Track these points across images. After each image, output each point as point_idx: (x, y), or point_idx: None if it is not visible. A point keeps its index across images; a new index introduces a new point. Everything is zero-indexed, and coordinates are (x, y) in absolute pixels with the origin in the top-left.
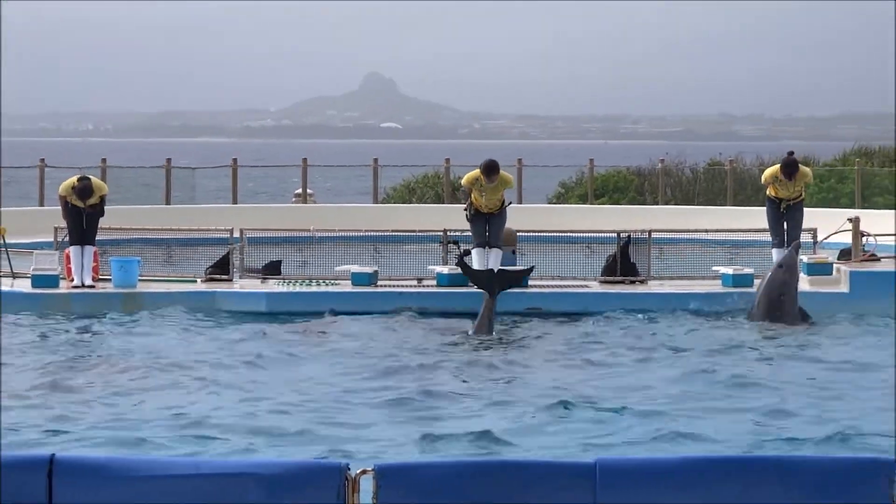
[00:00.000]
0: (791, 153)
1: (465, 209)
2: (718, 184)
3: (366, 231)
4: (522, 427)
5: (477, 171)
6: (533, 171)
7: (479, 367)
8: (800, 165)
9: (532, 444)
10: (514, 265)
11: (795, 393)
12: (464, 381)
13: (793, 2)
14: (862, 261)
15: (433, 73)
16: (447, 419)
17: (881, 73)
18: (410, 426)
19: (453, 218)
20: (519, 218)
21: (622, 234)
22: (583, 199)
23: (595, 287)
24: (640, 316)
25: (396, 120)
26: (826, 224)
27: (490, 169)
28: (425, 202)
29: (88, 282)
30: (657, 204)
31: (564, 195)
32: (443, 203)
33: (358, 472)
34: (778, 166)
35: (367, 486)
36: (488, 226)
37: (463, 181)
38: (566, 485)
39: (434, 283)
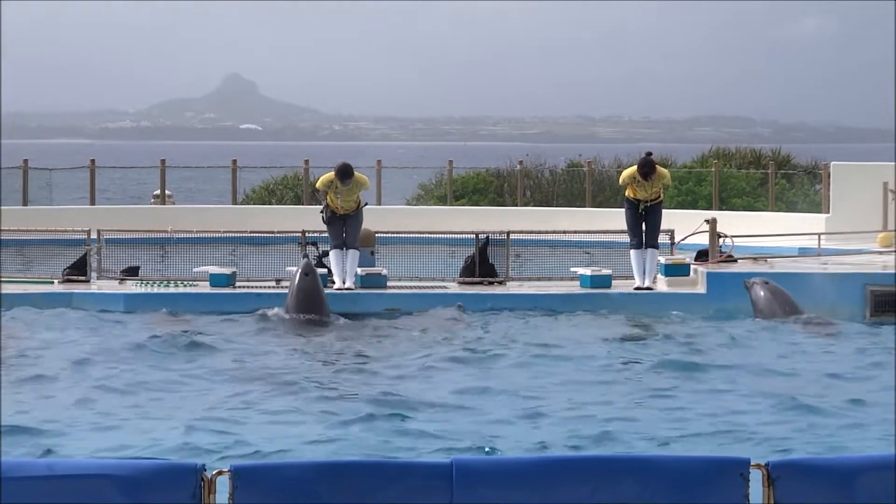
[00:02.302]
0: (649, 154)
1: (322, 211)
2: (577, 185)
3: (224, 232)
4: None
5: (332, 174)
6: (392, 172)
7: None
8: (657, 166)
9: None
10: (373, 266)
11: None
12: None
13: (650, 3)
14: (719, 262)
15: (294, 75)
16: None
17: (737, 75)
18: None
19: (312, 219)
20: (378, 219)
21: (480, 236)
22: (442, 201)
23: (453, 288)
24: (496, 315)
25: (256, 122)
26: (685, 225)
27: (344, 173)
28: (285, 204)
29: None
30: (516, 205)
31: (424, 197)
32: (302, 205)
33: (214, 472)
34: (635, 167)
35: (223, 487)
36: (345, 227)
37: (318, 184)
38: (423, 485)
39: None
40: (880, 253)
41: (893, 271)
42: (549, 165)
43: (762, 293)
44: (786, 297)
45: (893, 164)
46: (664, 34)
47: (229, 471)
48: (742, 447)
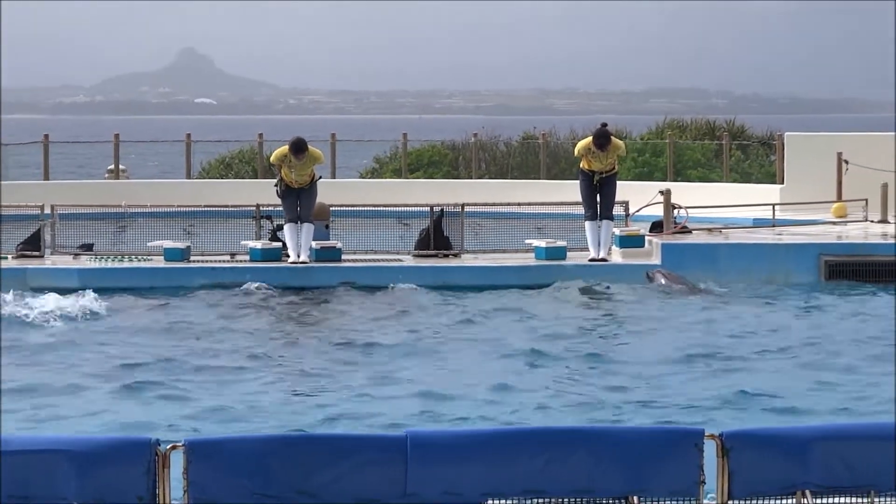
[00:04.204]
0: (604, 125)
1: (276, 185)
2: (532, 157)
3: (178, 206)
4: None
5: (285, 148)
6: (347, 145)
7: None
8: (612, 137)
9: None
10: (328, 239)
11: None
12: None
13: None
14: (673, 233)
15: (249, 49)
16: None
17: (691, 47)
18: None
19: (267, 193)
20: (333, 193)
21: (435, 208)
22: (397, 174)
23: (408, 261)
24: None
25: (211, 96)
26: (641, 197)
27: (298, 147)
28: (240, 178)
29: None
30: (471, 178)
31: (379, 170)
32: (257, 178)
33: (168, 447)
34: (590, 138)
35: (177, 460)
36: (299, 201)
37: (272, 158)
38: (377, 458)
39: (248, 258)
40: (834, 223)
41: (847, 241)
42: (504, 138)
43: (662, 281)
44: (685, 282)
45: (847, 134)
46: (620, 6)
47: (183, 445)
48: (695, 418)
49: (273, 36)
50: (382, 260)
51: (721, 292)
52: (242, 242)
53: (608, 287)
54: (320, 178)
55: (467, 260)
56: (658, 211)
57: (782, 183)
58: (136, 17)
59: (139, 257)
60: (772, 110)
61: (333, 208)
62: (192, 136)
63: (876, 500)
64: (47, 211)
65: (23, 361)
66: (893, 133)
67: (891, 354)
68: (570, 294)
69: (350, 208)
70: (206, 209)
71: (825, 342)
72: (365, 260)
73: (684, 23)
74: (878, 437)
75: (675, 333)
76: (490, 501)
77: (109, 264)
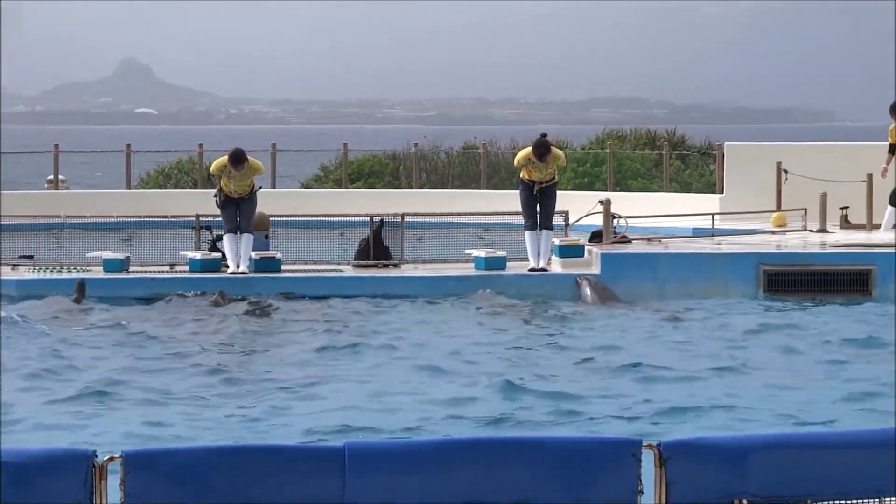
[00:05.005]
0: (543, 135)
1: (216, 195)
2: (473, 167)
3: (118, 217)
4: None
5: (224, 159)
6: (287, 155)
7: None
8: (552, 147)
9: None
10: (267, 250)
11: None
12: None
13: None
14: (613, 242)
15: (190, 59)
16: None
17: (633, 57)
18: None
19: (207, 204)
20: (274, 203)
21: (375, 218)
22: (338, 184)
23: (348, 271)
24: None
25: (152, 105)
26: (581, 207)
27: (237, 158)
28: (180, 188)
29: None
30: (412, 188)
31: (322, 178)
32: (197, 188)
33: (105, 458)
34: (530, 148)
35: (115, 472)
36: (239, 211)
37: (211, 168)
38: (316, 469)
39: (187, 268)
40: (773, 232)
41: (786, 251)
42: (444, 148)
43: (588, 291)
44: (610, 293)
45: (786, 143)
46: (560, 16)
47: (121, 456)
48: (634, 427)
49: (213, 45)
50: (322, 270)
51: (654, 304)
52: (182, 253)
53: (540, 297)
54: (260, 188)
55: (407, 270)
56: (598, 221)
57: (722, 192)
58: (78, 27)
59: (78, 268)
60: (713, 120)
61: (273, 218)
62: (133, 146)
63: None
64: None
65: None
66: (832, 143)
67: (830, 364)
68: (499, 302)
69: (290, 218)
70: (145, 220)
71: (764, 351)
72: (305, 270)
73: (626, 32)
74: (816, 447)
75: (610, 344)
76: None
77: (48, 275)
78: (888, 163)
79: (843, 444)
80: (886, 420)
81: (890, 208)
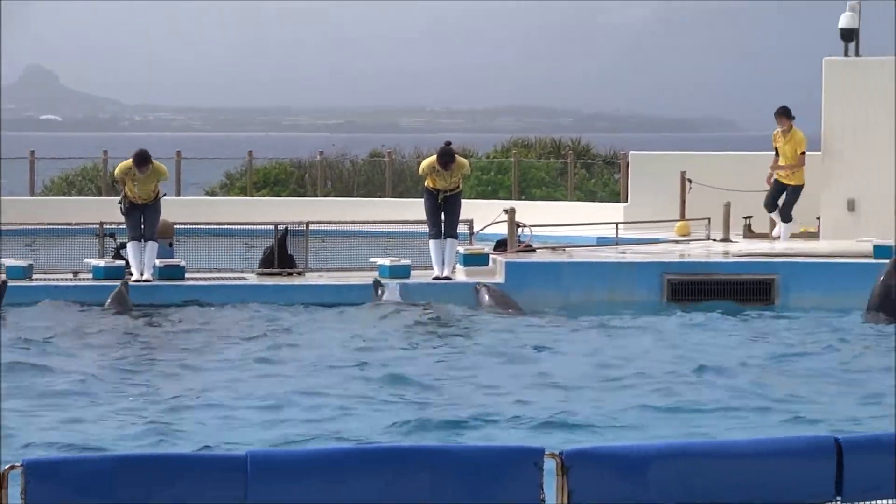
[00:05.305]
0: (448, 143)
1: (120, 202)
2: (378, 175)
3: (20, 224)
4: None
5: (129, 161)
6: (192, 163)
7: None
8: (456, 156)
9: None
10: (171, 258)
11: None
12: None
13: (454, 2)
14: (517, 251)
15: (96, 66)
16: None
17: (540, 66)
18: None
19: (112, 211)
20: (178, 210)
21: (279, 227)
22: (244, 192)
23: (252, 279)
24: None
25: (57, 112)
26: (486, 215)
27: (141, 159)
28: (85, 195)
29: None
30: (317, 196)
31: (228, 186)
32: (101, 196)
33: (6, 467)
34: (435, 157)
35: (16, 481)
36: (143, 218)
37: (116, 172)
38: (218, 478)
39: (91, 276)
40: (677, 242)
41: (690, 260)
42: (350, 156)
43: (486, 297)
44: (510, 300)
45: (691, 153)
46: (466, 24)
47: (22, 465)
48: (535, 436)
49: (118, 52)
50: (226, 278)
51: (552, 313)
52: (85, 261)
53: (429, 306)
54: (164, 195)
55: (311, 278)
56: (502, 229)
57: (626, 202)
58: None
59: None
60: (618, 129)
61: (178, 226)
62: (37, 153)
63: None
64: None
65: None
66: (736, 152)
67: (733, 372)
68: (390, 312)
69: (195, 226)
70: (48, 227)
71: (667, 360)
72: (209, 278)
73: (533, 41)
74: (717, 455)
75: (507, 353)
76: None
77: None
78: (773, 168)
79: (744, 453)
80: (795, 429)
81: (783, 224)
